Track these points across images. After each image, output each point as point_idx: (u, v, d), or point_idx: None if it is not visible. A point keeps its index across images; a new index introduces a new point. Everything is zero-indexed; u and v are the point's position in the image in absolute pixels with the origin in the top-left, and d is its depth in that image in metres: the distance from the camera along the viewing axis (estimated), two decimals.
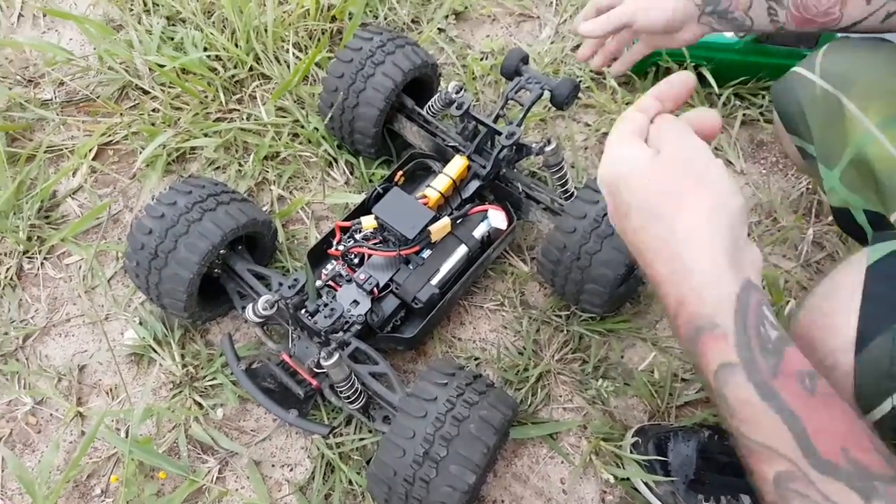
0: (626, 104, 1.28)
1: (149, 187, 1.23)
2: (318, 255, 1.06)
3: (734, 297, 0.46)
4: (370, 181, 1.21)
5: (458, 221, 1.05)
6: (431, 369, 0.89)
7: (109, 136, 1.27)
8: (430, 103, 1.13)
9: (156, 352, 1.07)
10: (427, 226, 1.00)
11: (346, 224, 1.04)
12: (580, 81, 1.28)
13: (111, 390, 1.07)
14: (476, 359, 1.08)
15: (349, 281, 1.02)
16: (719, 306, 0.46)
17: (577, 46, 1.36)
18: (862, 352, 0.56)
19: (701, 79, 1.26)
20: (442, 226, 1.01)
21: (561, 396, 1.06)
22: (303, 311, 0.96)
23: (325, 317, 0.92)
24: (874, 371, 0.56)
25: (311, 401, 0.98)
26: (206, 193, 0.97)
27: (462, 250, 1.03)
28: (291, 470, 1.01)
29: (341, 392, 0.91)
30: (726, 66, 1.26)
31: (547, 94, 1.03)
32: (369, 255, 1.02)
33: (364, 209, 1.06)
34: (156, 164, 1.23)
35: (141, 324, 1.10)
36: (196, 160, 1.26)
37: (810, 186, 1.22)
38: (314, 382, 0.95)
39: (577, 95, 1.00)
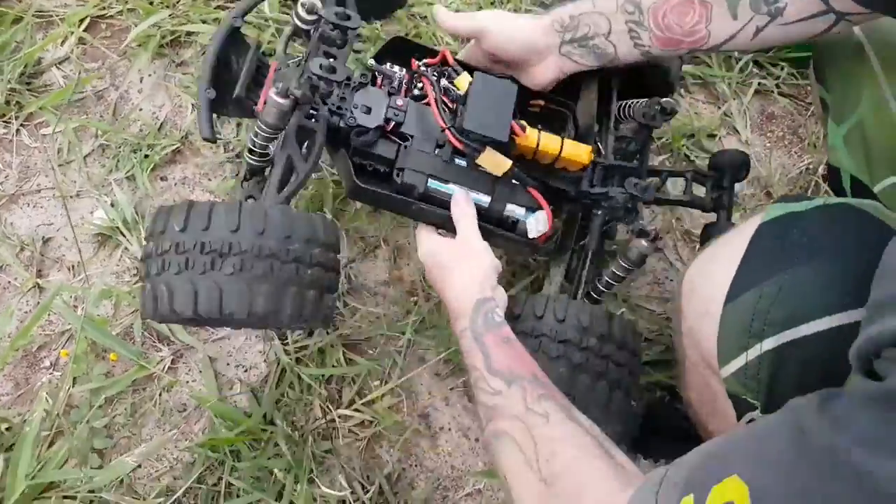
0: None
1: (137, 67, 1.18)
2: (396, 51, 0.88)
3: (475, 300, 0.71)
4: None
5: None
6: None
7: (103, 7, 1.22)
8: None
9: (123, 235, 1.05)
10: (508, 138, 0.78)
11: (452, 60, 0.85)
12: None
13: (72, 267, 1.05)
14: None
15: (389, 94, 0.84)
16: (468, 305, 0.71)
17: None
18: (729, 303, 0.58)
19: None
20: (501, 161, 0.79)
21: None
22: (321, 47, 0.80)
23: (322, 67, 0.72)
24: (736, 324, 0.57)
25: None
26: None
27: (482, 199, 0.82)
28: (246, 371, 1.00)
29: (255, 142, 0.77)
30: None
31: None
32: (425, 101, 0.83)
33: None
34: (147, 45, 1.18)
35: (112, 205, 1.07)
36: (191, 46, 1.21)
37: (811, 166, 1.19)
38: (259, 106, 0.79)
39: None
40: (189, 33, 1.20)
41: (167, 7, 1.20)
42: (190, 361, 1.00)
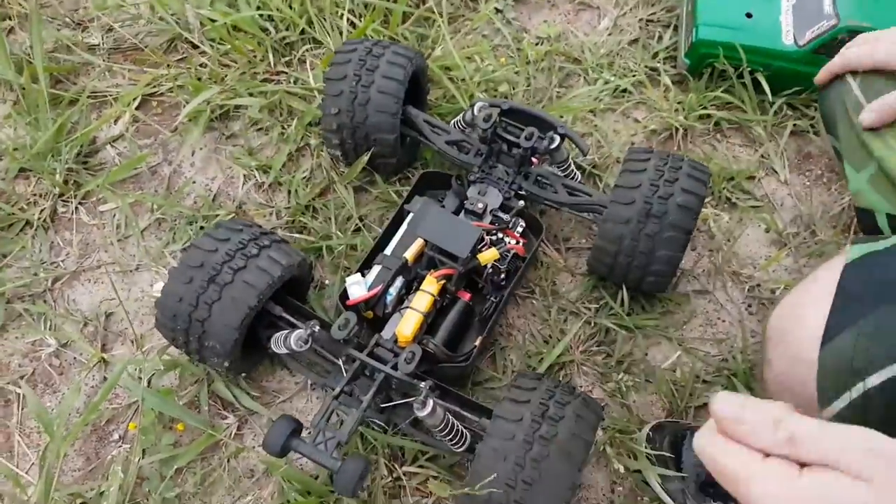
0: (679, 103, 1.27)
1: (189, 142, 1.23)
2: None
3: None
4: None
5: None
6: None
7: (154, 87, 1.28)
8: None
9: None
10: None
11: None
12: (632, 83, 1.28)
13: (136, 340, 1.07)
14: (502, 346, 1.08)
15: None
16: None
17: (634, 41, 1.35)
18: (826, 345, 0.58)
19: (756, 85, 1.25)
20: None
21: (582, 387, 1.05)
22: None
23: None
24: (836, 365, 0.58)
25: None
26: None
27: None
28: (309, 433, 1.01)
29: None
30: (783, 74, 1.24)
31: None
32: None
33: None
34: (198, 120, 1.23)
35: None
36: (239, 119, 1.26)
37: (852, 203, 1.20)
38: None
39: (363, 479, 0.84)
40: (237, 107, 1.25)
41: (216, 83, 1.26)
42: (255, 426, 1.01)
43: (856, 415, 0.57)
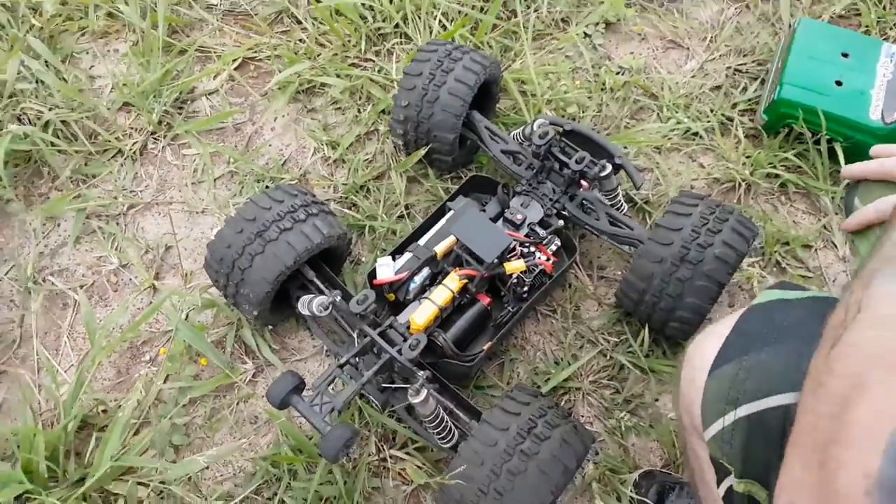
0: (747, 157, 1.24)
1: (274, 108, 1.31)
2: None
3: None
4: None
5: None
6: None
7: (255, 52, 1.36)
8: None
9: None
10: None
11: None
12: (705, 128, 1.26)
13: (187, 275, 1.16)
14: (511, 357, 1.09)
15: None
16: None
17: (717, 88, 1.32)
18: (713, 372, 0.62)
19: (831, 154, 1.19)
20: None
21: (582, 416, 1.05)
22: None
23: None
24: (716, 392, 0.61)
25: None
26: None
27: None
28: (310, 394, 1.06)
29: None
30: (863, 147, 1.18)
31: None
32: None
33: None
34: (286, 90, 1.31)
35: None
36: (323, 96, 1.32)
37: None
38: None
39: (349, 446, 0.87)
40: (323, 84, 1.31)
41: (309, 58, 1.32)
42: (269, 377, 1.07)
43: (724, 441, 0.59)
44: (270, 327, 1.09)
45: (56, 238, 1.19)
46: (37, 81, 1.29)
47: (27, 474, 0.91)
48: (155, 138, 1.29)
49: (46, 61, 1.32)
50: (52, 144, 1.23)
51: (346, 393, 0.89)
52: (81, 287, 1.14)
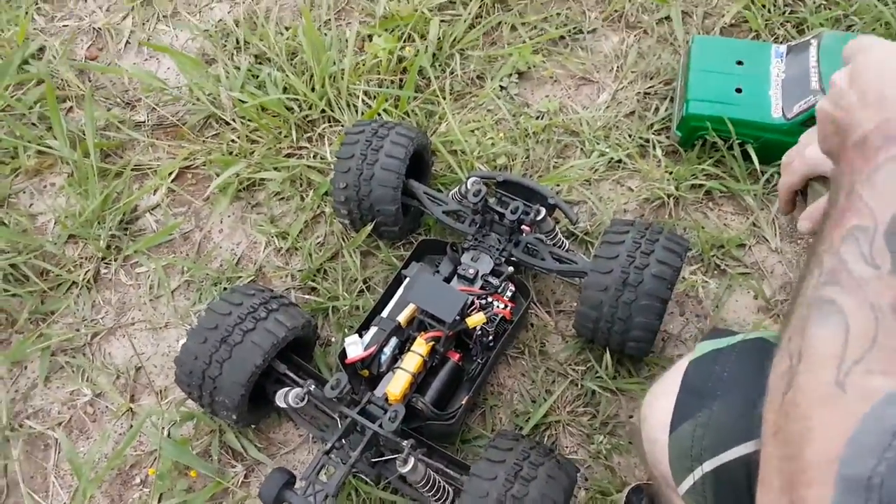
0: (670, 173, 1.33)
1: (218, 211, 1.36)
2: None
3: None
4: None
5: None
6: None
7: (190, 160, 1.42)
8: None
9: None
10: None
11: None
12: (626, 154, 1.35)
13: (161, 392, 1.18)
14: (491, 405, 1.14)
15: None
16: None
17: (631, 114, 1.42)
18: (672, 433, 0.66)
19: (745, 156, 1.29)
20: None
21: (567, 447, 1.10)
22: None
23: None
24: (679, 451, 0.65)
25: None
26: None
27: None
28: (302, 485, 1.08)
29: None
30: (771, 145, 1.28)
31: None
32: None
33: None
34: (227, 191, 1.36)
35: None
36: (264, 190, 1.38)
37: None
38: None
39: None
40: (262, 180, 1.37)
41: (244, 157, 1.38)
42: (261, 475, 1.10)
43: (699, 495, 0.63)
44: (253, 426, 1.12)
45: (25, 381, 1.21)
46: None
47: None
48: (106, 263, 1.32)
49: None
50: (5, 290, 1.25)
51: (338, 476, 0.92)
52: (59, 425, 1.16)
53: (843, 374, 0.43)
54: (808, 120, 1.23)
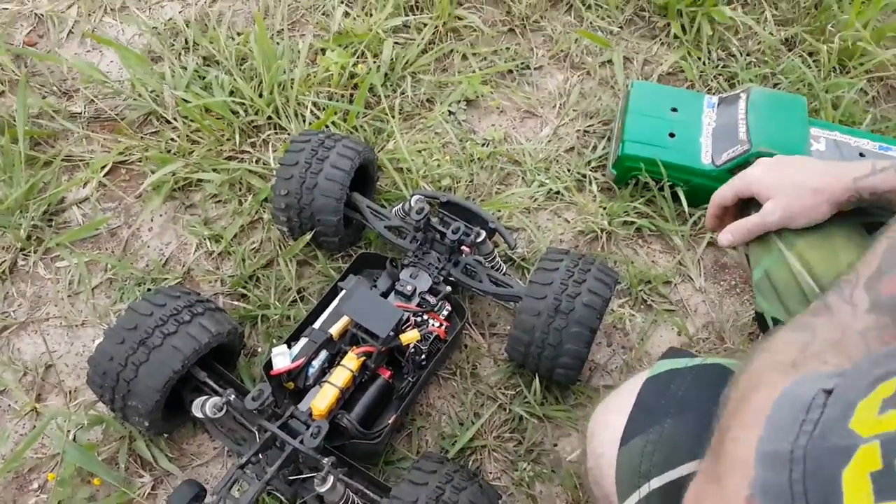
0: (604, 208, 1.35)
1: (150, 209, 1.29)
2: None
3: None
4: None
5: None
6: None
7: (125, 156, 1.34)
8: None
9: None
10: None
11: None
12: (564, 186, 1.36)
13: (70, 393, 1.09)
14: (419, 426, 1.11)
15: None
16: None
17: (571, 149, 1.44)
18: (622, 447, 0.66)
19: (675, 197, 1.33)
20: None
21: (490, 473, 1.08)
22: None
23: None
24: (628, 466, 0.64)
25: None
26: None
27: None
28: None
29: None
30: (701, 190, 1.31)
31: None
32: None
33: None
34: (161, 190, 1.29)
35: None
36: (200, 191, 1.32)
37: None
38: None
39: None
40: (199, 180, 1.31)
41: (182, 156, 1.32)
42: (169, 488, 1.02)
43: None
44: (166, 435, 1.05)
45: None
46: None
47: None
48: (24, 254, 1.23)
49: None
50: None
51: (251, 493, 0.87)
52: None
53: (802, 358, 0.47)
54: (735, 168, 1.27)
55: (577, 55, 1.57)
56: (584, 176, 1.39)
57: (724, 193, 0.86)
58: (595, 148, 1.44)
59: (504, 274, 1.20)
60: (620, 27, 1.63)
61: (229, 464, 1.05)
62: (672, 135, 1.34)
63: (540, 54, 1.58)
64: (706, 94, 1.41)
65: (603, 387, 1.17)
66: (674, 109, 1.37)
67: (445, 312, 1.13)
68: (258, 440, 0.93)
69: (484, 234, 1.14)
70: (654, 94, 1.41)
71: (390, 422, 1.01)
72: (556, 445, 1.11)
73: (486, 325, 1.22)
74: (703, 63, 1.58)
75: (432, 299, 1.11)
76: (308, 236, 1.17)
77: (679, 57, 1.57)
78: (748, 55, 1.59)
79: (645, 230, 1.34)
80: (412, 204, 1.16)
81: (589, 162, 1.42)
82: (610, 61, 1.56)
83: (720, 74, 1.57)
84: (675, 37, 1.61)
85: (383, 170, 1.33)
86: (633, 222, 1.33)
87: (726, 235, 0.85)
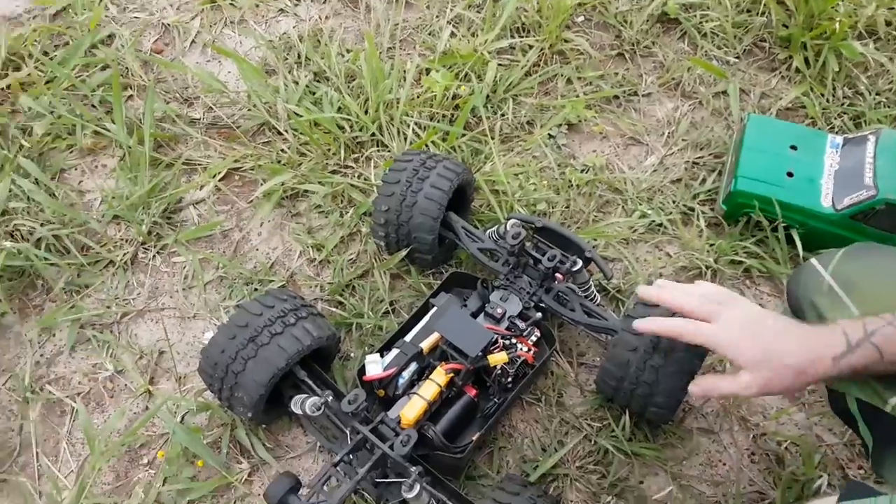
0: (711, 245, 1.45)
1: (260, 215, 1.51)
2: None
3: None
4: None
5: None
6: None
7: (239, 163, 1.58)
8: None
9: None
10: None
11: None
12: (668, 219, 1.48)
13: (180, 379, 1.32)
14: (500, 446, 1.25)
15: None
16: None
17: (678, 180, 1.56)
18: None
19: (789, 239, 1.41)
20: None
21: (571, 502, 1.20)
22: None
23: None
24: None
25: None
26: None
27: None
28: (307, 493, 1.20)
29: None
30: (817, 234, 1.39)
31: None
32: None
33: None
34: (271, 197, 1.52)
35: None
36: (306, 201, 1.53)
37: None
38: None
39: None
40: (306, 191, 1.53)
41: (292, 168, 1.55)
42: (264, 476, 1.21)
43: None
44: (264, 427, 1.25)
45: (52, 348, 1.35)
46: (28, 199, 1.48)
47: None
48: (145, 248, 1.48)
49: (37, 179, 1.52)
50: (45, 259, 1.41)
51: (342, 490, 1.02)
52: (79, 394, 1.29)
53: None
54: (858, 213, 1.33)
55: (690, 84, 1.69)
56: (692, 209, 1.50)
57: (674, 332, 0.96)
58: (704, 181, 1.55)
59: (598, 304, 1.32)
60: (738, 57, 1.74)
61: (320, 459, 1.23)
62: (790, 174, 1.40)
63: (649, 81, 1.71)
64: (829, 134, 1.47)
65: (696, 429, 1.27)
66: (793, 147, 1.44)
67: (534, 338, 1.25)
68: (349, 441, 1.10)
69: (580, 262, 1.26)
70: (773, 129, 1.48)
71: (474, 438, 1.14)
72: (641, 483, 1.21)
73: (574, 355, 1.34)
74: (827, 100, 1.65)
75: (522, 324, 1.24)
76: (404, 252, 1.34)
77: (800, 92, 1.66)
78: (877, 94, 1.65)
79: (754, 271, 1.42)
80: (507, 228, 1.31)
81: (696, 195, 1.53)
82: (725, 92, 1.67)
83: (845, 113, 1.64)
84: (797, 70, 1.70)
85: (479, 191, 1.50)
86: (741, 262, 1.42)
87: (696, 389, 0.95)
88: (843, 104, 1.66)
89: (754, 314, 0.91)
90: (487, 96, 1.64)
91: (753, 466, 1.24)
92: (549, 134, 1.62)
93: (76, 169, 1.58)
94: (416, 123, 1.59)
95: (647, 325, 1.01)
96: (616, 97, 1.68)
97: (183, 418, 1.25)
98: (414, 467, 1.03)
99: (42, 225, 1.44)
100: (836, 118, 1.64)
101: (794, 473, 1.20)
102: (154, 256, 1.46)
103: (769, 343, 0.86)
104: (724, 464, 1.24)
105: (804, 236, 1.40)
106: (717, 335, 0.91)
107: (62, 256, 1.43)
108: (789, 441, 1.25)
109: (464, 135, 1.59)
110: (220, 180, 1.56)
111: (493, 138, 1.58)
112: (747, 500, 1.20)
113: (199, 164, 1.59)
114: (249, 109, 1.65)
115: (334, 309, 1.38)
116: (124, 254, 1.45)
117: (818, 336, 0.85)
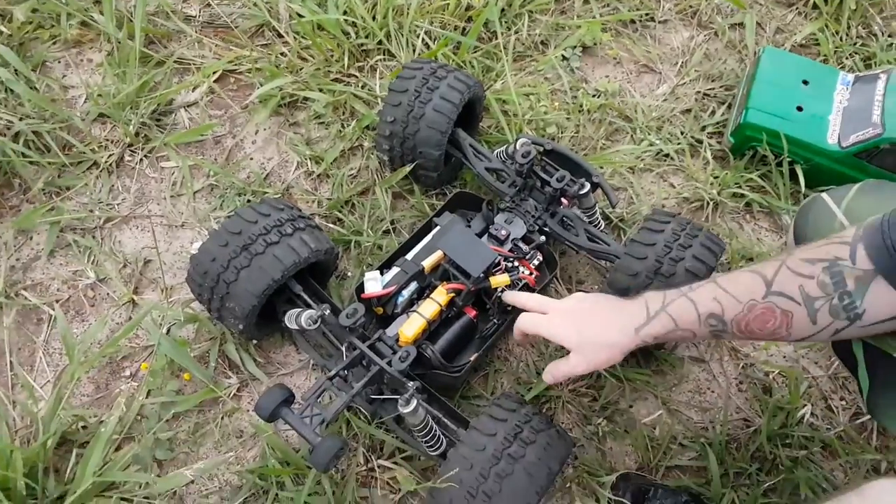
0: (715, 177, 1.31)
1: (255, 121, 1.32)
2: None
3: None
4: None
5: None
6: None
7: (235, 64, 1.38)
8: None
9: None
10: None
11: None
12: (676, 149, 1.33)
13: (166, 290, 1.15)
14: (496, 368, 1.13)
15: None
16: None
17: (687, 111, 1.40)
18: None
19: (792, 175, 1.28)
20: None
21: (563, 423, 1.10)
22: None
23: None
24: None
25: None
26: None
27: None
28: (300, 406, 1.06)
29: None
30: (821, 170, 1.27)
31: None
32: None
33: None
34: (268, 103, 1.33)
35: None
36: (305, 110, 1.35)
37: None
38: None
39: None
40: (306, 98, 1.34)
41: (291, 72, 1.35)
42: (253, 392, 1.08)
43: None
44: (255, 342, 1.10)
45: (28, 252, 1.18)
46: (6, 90, 1.28)
47: (4, 492, 0.90)
48: (132, 150, 1.29)
49: (16, 70, 1.31)
50: (24, 155, 1.22)
51: (337, 404, 0.91)
52: (57, 301, 1.13)
53: None
54: (862, 152, 1.22)
55: (707, 13, 1.52)
56: (699, 141, 1.36)
57: (519, 328, 0.95)
58: (713, 113, 1.40)
59: (602, 231, 1.19)
60: None
61: (312, 377, 1.10)
62: (800, 108, 1.29)
63: (667, 7, 1.53)
64: (841, 71, 1.34)
65: (688, 357, 1.16)
66: (805, 82, 1.32)
67: (536, 262, 1.13)
68: (345, 357, 0.97)
69: (588, 186, 1.12)
70: (786, 63, 1.35)
71: (472, 359, 1.03)
72: (631, 406, 1.12)
73: (573, 282, 1.22)
74: (841, 38, 1.50)
75: (525, 247, 1.12)
76: (408, 168, 1.18)
77: (816, 28, 1.50)
78: (890, 36, 1.51)
79: (755, 205, 1.30)
80: (517, 147, 1.15)
81: (705, 127, 1.38)
82: (741, 24, 1.50)
83: (857, 53, 1.49)
84: (815, 6, 1.53)
85: (488, 109, 1.32)
86: (743, 195, 1.30)
87: (547, 377, 0.92)
88: (855, 43, 1.51)
89: (576, 300, 0.95)
90: (503, 9, 1.44)
91: (741, 395, 1.16)
92: (562, 55, 1.43)
93: (59, 62, 1.37)
94: (426, 32, 1.39)
95: (512, 297, 1.03)
96: (633, 21, 1.51)
97: (169, 330, 1.10)
98: (411, 383, 0.93)
99: (21, 119, 1.24)
100: (847, 58, 1.49)
101: (780, 402, 1.13)
102: (141, 160, 1.28)
103: (579, 325, 0.89)
104: (713, 391, 1.16)
105: (808, 172, 1.29)
106: (545, 324, 0.92)
107: (42, 154, 1.24)
108: (777, 371, 1.17)
109: (476, 49, 1.40)
110: (214, 82, 1.36)
111: (506, 55, 1.39)
112: (734, 426, 1.12)
113: (193, 64, 1.39)
114: (249, 8, 1.44)
115: (332, 225, 1.23)
116: (109, 155, 1.26)
117: (622, 310, 0.88)
